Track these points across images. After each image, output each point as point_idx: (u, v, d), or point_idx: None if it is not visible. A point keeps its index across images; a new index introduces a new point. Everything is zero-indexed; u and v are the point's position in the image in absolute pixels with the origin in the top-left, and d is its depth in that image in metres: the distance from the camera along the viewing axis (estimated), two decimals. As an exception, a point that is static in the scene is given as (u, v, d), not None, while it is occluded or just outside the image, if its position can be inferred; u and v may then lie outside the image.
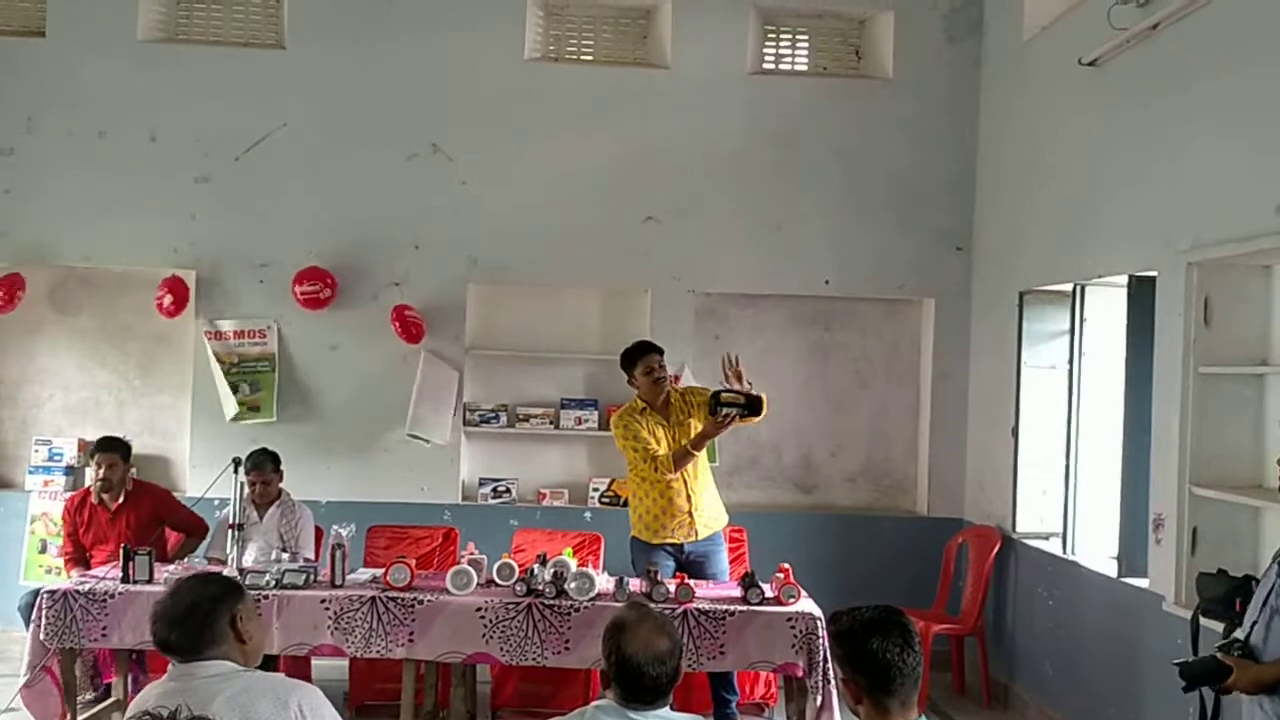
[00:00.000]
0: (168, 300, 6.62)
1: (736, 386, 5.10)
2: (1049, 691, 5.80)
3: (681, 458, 5.18)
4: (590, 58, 7.08)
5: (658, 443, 5.24)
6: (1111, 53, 5.24)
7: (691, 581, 4.90)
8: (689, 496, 5.29)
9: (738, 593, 4.81)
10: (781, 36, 7.13)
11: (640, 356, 5.35)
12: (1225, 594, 3.78)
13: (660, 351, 5.40)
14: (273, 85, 6.80)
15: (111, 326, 7.02)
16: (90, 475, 5.65)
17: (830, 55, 7.14)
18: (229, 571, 4.88)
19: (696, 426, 5.27)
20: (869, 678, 2.40)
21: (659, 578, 4.91)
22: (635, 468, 5.36)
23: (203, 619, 2.63)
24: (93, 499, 5.64)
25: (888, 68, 6.98)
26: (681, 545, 5.31)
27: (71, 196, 6.72)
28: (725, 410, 5.01)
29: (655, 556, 5.27)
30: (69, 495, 6.00)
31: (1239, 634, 3.31)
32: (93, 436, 6.36)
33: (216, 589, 2.73)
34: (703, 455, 5.36)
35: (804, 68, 7.17)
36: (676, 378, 6.69)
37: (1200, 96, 4.62)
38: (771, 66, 7.11)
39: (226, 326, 6.77)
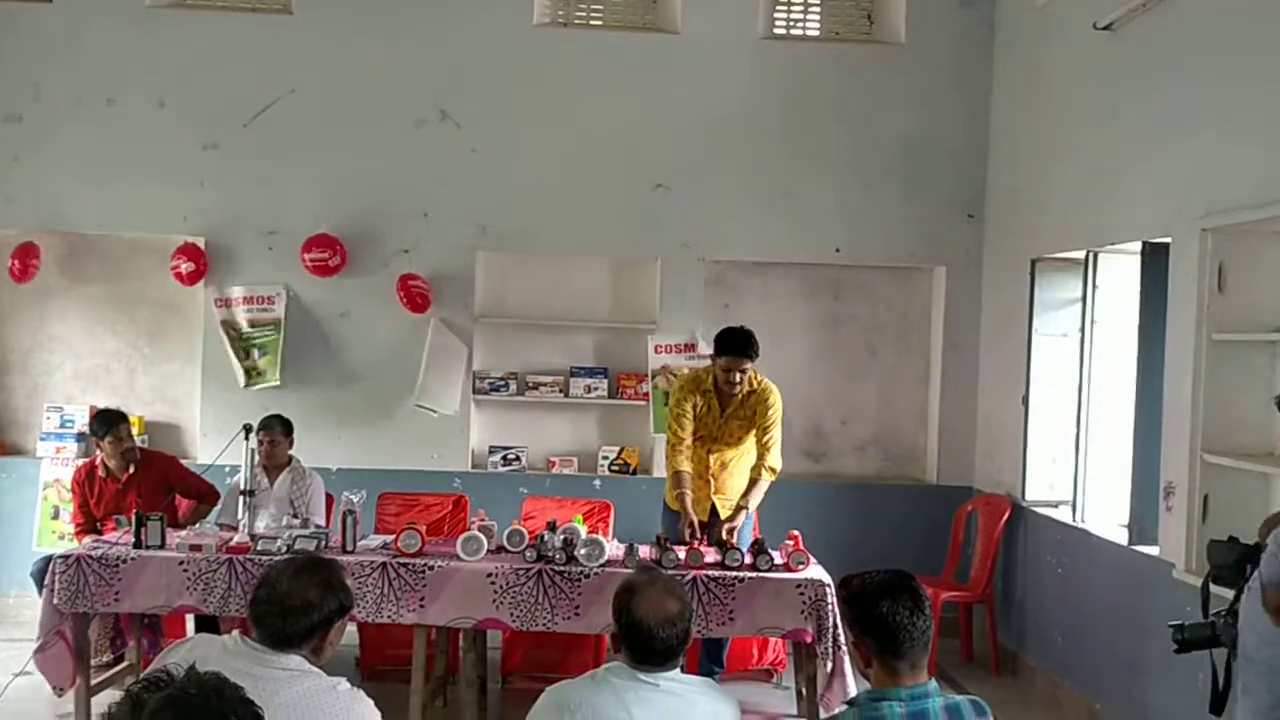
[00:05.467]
0: (185, 267, 6.62)
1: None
2: (1057, 659, 5.81)
3: (675, 480, 5.23)
4: (600, 23, 7.02)
5: (696, 424, 5.26)
6: (1127, 17, 5.18)
7: (705, 548, 4.92)
8: (710, 480, 5.32)
9: (746, 559, 4.81)
10: (793, 1, 7.06)
11: (724, 354, 5.15)
12: (1236, 561, 3.76)
13: (752, 357, 5.15)
14: (280, 51, 6.77)
15: (121, 294, 7.03)
16: (106, 450, 5.60)
17: (842, 20, 7.06)
18: (240, 537, 4.91)
19: (745, 429, 5.27)
20: (878, 640, 2.40)
21: (669, 544, 4.92)
22: None
23: (311, 622, 2.55)
24: (100, 471, 5.65)
25: (900, 33, 6.90)
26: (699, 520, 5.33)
27: (80, 163, 6.71)
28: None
29: (677, 523, 5.29)
30: (77, 465, 6.01)
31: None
32: (103, 404, 6.37)
33: (334, 602, 2.61)
34: (742, 450, 5.34)
35: (815, 33, 7.09)
36: (692, 346, 6.72)
37: (1216, 61, 4.56)
38: (783, 32, 7.03)
39: (235, 293, 6.77)
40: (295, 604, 2.55)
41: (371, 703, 2.53)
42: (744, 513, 5.18)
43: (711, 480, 5.33)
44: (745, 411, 5.27)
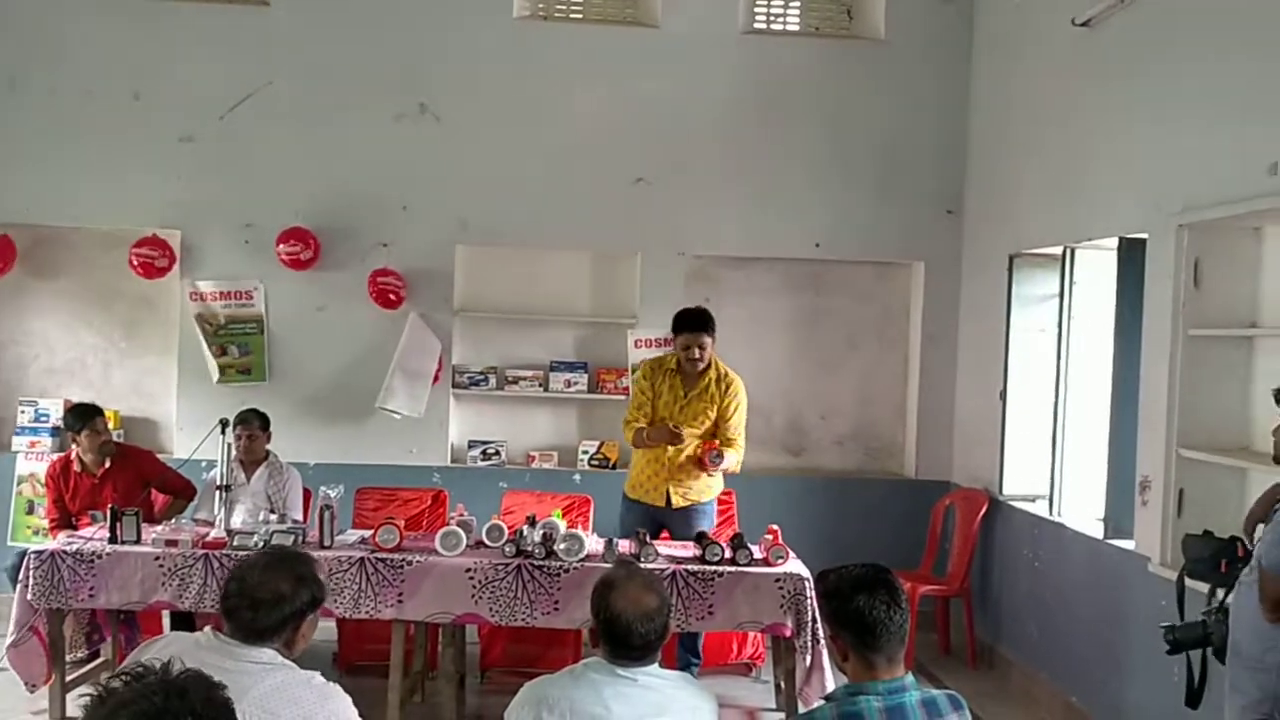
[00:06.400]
0: (159, 262, 6.56)
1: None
2: (1033, 652, 5.84)
3: (638, 442, 5.32)
4: (580, 16, 7.00)
5: (657, 406, 5.31)
6: (1105, 13, 5.20)
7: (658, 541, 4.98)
8: (665, 464, 5.32)
9: (726, 554, 4.80)
10: (773, -4, 7.07)
11: (683, 330, 5.26)
12: (1211, 555, 3.80)
13: (709, 331, 5.27)
14: (257, 43, 6.72)
15: (96, 288, 6.97)
16: (83, 444, 5.55)
17: (821, 15, 7.07)
18: (216, 533, 4.88)
19: (709, 415, 5.29)
20: (855, 634, 2.42)
21: (646, 539, 4.92)
22: None
23: (282, 614, 2.54)
24: (75, 466, 5.59)
25: (879, 28, 6.92)
26: (655, 506, 5.36)
27: (54, 156, 6.65)
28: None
29: (633, 512, 5.38)
30: (52, 460, 5.95)
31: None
32: (79, 398, 6.33)
33: (307, 593, 2.60)
34: (702, 437, 5.36)
35: (795, 28, 7.11)
36: (670, 340, 6.71)
37: (1193, 57, 4.59)
38: (763, 27, 7.04)
39: (212, 287, 6.72)
40: (266, 597, 2.54)
41: (348, 698, 2.52)
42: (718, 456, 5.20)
43: (668, 464, 5.32)
44: (709, 397, 5.31)
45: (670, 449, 5.31)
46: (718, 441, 5.24)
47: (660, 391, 5.34)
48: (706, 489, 5.41)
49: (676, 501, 5.32)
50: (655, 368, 5.43)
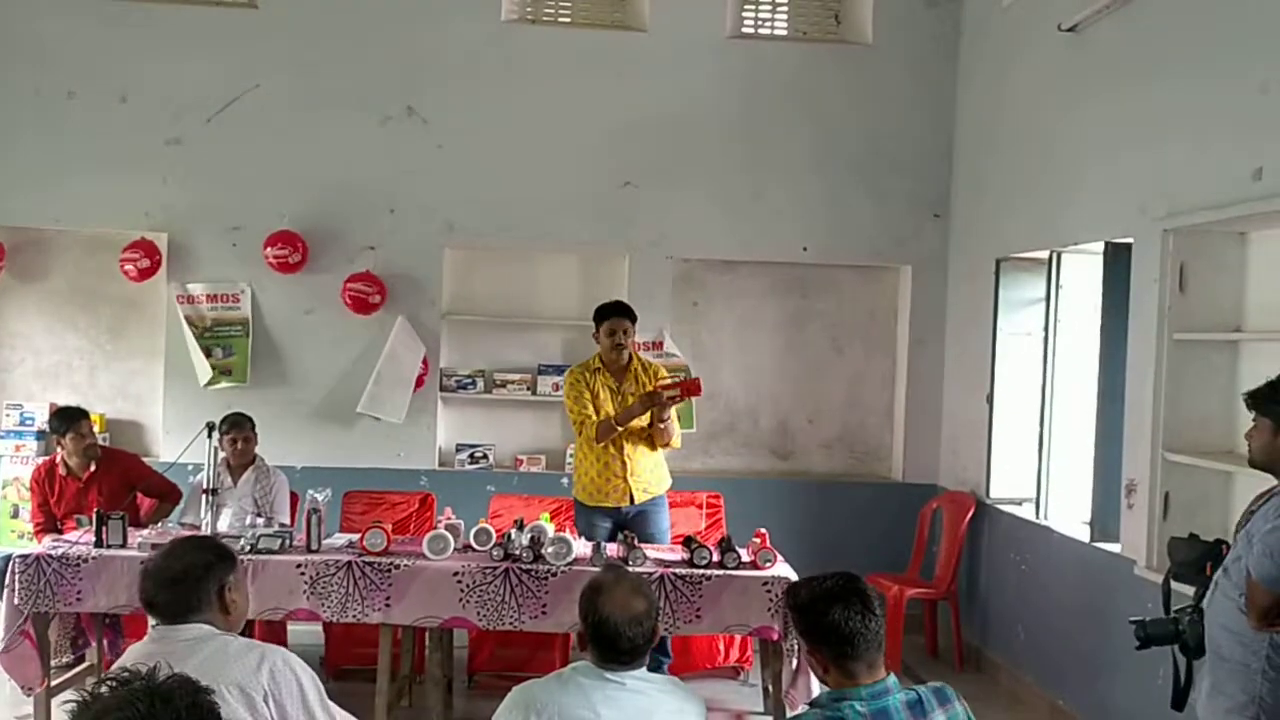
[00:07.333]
0: (140, 264, 6.54)
1: (667, 381, 5.34)
2: (1020, 655, 5.86)
3: (606, 431, 5.27)
4: (568, 19, 7.00)
5: (599, 407, 5.33)
6: (1091, 19, 5.23)
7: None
8: (624, 463, 5.34)
9: (714, 557, 4.81)
10: (761, 0, 7.07)
11: (608, 317, 5.38)
12: (1196, 558, 3.81)
13: (631, 318, 5.39)
14: (245, 45, 6.70)
15: (81, 290, 6.94)
16: (68, 448, 5.52)
17: (809, 20, 7.08)
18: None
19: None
20: (834, 648, 2.41)
21: (634, 540, 4.92)
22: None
23: (192, 585, 2.64)
24: (60, 470, 5.56)
25: (867, 33, 6.93)
26: (619, 508, 5.36)
27: (40, 158, 6.62)
28: (666, 395, 5.19)
29: (593, 518, 5.36)
30: (37, 464, 5.92)
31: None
32: (64, 401, 6.29)
33: (210, 556, 2.73)
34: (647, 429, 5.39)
35: (783, 32, 7.12)
36: (659, 344, 6.73)
37: (1178, 63, 4.61)
38: (750, 31, 7.05)
39: (198, 290, 6.70)
40: (179, 574, 2.65)
41: (295, 656, 2.61)
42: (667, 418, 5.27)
43: (627, 463, 5.33)
44: (640, 384, 5.36)
45: (627, 446, 5.31)
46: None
47: (596, 391, 5.38)
48: (663, 479, 5.48)
49: (639, 498, 5.34)
50: (582, 371, 5.46)
